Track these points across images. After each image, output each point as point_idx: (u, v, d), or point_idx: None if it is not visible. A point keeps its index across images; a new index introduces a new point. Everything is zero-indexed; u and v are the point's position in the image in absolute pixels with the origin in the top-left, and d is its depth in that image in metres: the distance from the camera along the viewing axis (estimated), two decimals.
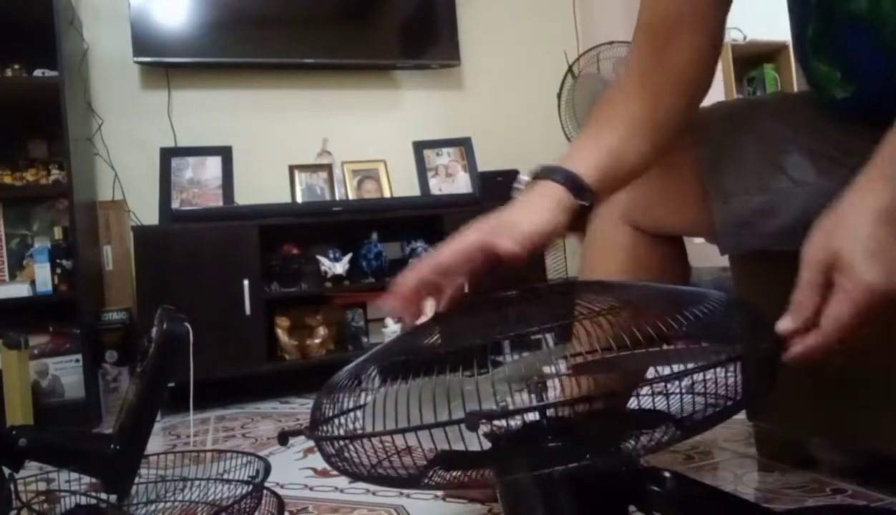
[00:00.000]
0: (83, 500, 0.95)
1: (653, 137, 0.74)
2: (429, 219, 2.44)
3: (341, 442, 0.52)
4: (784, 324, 0.50)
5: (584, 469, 0.46)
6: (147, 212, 2.39)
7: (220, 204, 2.41)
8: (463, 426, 0.43)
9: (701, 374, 0.46)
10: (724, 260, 1.06)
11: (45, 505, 0.95)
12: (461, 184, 2.74)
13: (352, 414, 0.54)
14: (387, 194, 2.65)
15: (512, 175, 2.05)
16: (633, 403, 0.53)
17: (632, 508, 0.54)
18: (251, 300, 2.15)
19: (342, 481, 1.19)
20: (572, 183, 0.65)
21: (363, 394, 0.54)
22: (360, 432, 0.51)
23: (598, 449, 0.49)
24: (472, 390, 0.47)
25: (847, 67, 0.75)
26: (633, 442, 0.51)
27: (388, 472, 0.52)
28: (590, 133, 0.75)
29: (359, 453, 0.50)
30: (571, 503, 0.51)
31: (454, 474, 0.56)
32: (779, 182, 0.80)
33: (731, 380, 0.47)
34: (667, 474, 0.53)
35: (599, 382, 0.53)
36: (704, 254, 1.09)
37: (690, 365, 0.45)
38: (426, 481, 0.55)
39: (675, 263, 0.95)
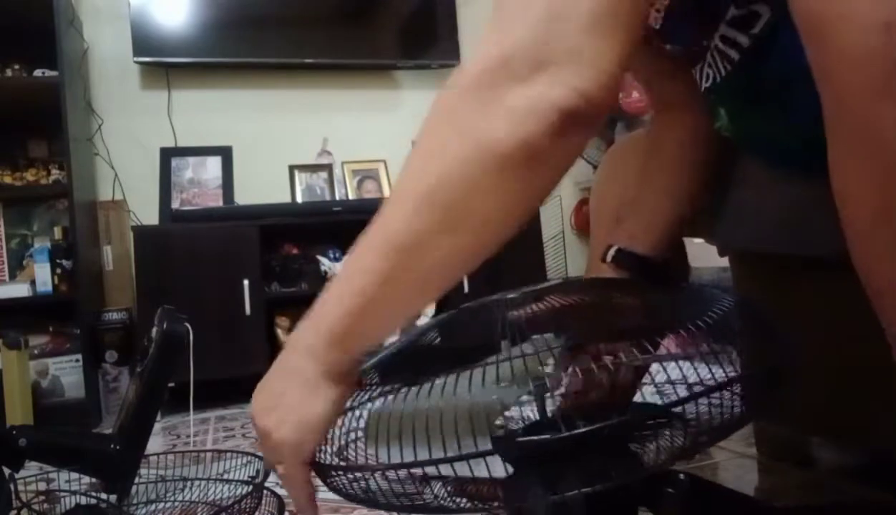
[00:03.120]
0: (83, 500, 0.94)
1: None
2: None
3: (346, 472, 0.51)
4: None
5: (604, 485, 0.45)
6: (147, 212, 2.39)
7: (220, 204, 2.41)
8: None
9: (703, 376, 0.45)
10: (724, 261, 1.06)
11: (45, 505, 0.95)
12: None
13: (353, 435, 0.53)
14: (387, 194, 2.64)
15: None
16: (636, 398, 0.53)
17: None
18: (251, 300, 2.15)
19: None
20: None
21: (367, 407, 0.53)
22: (372, 464, 0.50)
23: (612, 460, 0.47)
24: (477, 405, 0.46)
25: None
26: (639, 445, 0.50)
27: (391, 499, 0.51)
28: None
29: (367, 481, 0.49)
30: (580, 505, 0.49)
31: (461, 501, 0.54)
32: (777, 178, 0.80)
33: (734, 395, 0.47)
34: (681, 476, 0.51)
35: (605, 382, 0.53)
36: (704, 254, 1.09)
37: (693, 376, 0.44)
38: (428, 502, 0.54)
39: (675, 262, 0.94)
